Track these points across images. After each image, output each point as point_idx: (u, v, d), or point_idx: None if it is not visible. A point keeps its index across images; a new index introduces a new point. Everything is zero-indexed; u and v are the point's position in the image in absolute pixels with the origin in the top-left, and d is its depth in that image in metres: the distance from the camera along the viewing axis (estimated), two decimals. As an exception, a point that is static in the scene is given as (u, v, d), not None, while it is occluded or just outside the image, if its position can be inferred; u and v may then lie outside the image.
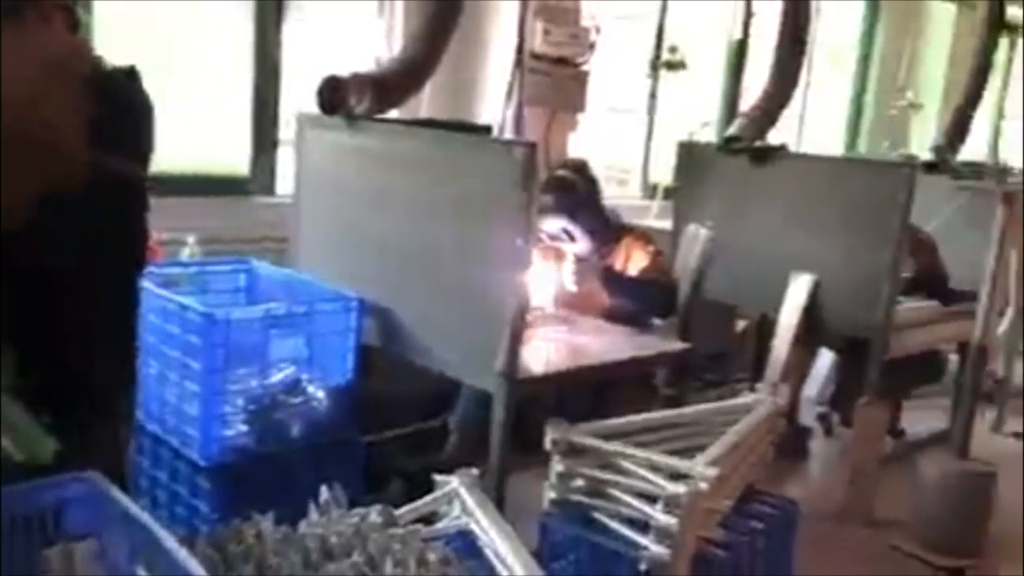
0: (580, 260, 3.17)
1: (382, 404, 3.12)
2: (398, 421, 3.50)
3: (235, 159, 3.52)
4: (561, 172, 3.23)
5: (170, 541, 1.12)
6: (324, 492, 1.62)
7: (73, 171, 1.20)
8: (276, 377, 2.40)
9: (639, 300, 3.13)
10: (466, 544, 1.95)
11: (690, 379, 3.68)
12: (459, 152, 2.50)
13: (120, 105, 1.50)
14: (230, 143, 3.53)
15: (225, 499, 2.23)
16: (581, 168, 3.25)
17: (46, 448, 1.31)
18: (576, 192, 3.16)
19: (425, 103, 3.45)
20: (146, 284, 2.48)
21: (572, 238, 3.18)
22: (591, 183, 3.23)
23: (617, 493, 2.14)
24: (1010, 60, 7.67)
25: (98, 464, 1.29)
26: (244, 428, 2.35)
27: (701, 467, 2.10)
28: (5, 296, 1.36)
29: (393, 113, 3.07)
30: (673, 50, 4.74)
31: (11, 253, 1.26)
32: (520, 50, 3.51)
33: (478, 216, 2.36)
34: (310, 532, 1.47)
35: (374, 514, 1.55)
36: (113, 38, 3.10)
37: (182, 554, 1.09)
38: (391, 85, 2.69)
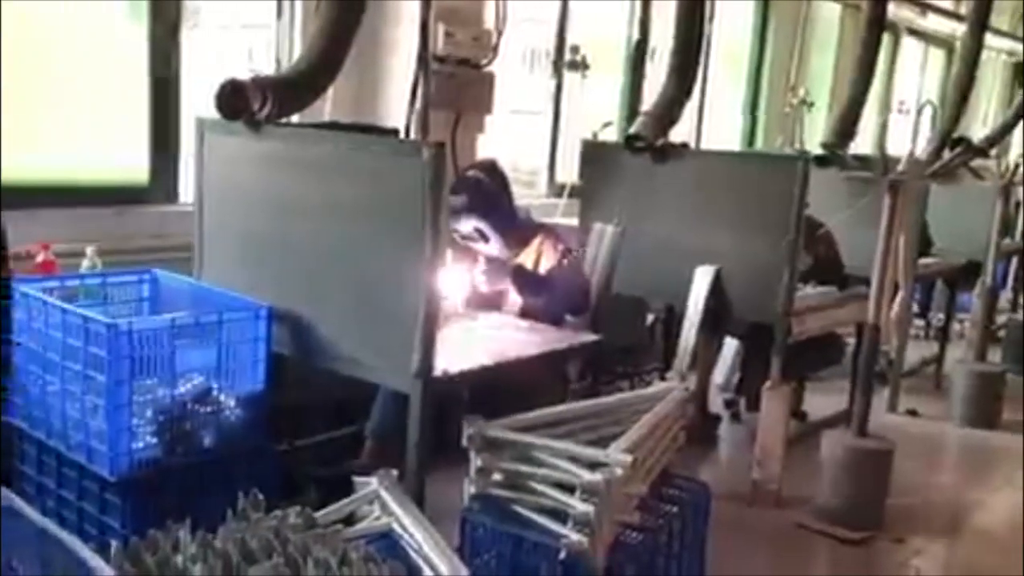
0: (492, 260, 3.20)
1: (296, 412, 3.09)
2: (313, 429, 3.46)
3: (134, 167, 3.42)
4: (472, 172, 3.26)
5: (83, 551, 1.10)
6: (241, 498, 1.60)
7: None
8: (185, 387, 2.35)
9: (551, 298, 3.18)
10: (388, 545, 1.95)
11: (602, 372, 3.75)
12: (367, 154, 2.49)
13: None
14: (128, 150, 3.43)
15: (137, 514, 2.17)
16: (491, 168, 3.28)
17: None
18: (487, 192, 3.19)
19: (329, 107, 3.42)
20: (45, 297, 2.41)
21: (485, 238, 3.21)
22: (502, 183, 3.26)
23: (536, 485, 2.18)
24: (893, 57, 8.07)
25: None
26: (153, 440, 2.30)
27: (616, 454, 2.16)
28: None
29: (296, 117, 3.04)
30: (575, 50, 4.83)
31: None
32: (423, 52, 3.52)
33: (388, 218, 2.36)
34: (229, 537, 1.45)
35: (293, 516, 1.54)
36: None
37: (96, 562, 1.07)
38: (294, 88, 2.66)
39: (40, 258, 2.84)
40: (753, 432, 3.71)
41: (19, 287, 2.44)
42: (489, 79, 3.91)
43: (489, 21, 3.90)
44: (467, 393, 2.89)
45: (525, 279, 3.19)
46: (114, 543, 1.38)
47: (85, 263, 2.91)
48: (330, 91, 3.16)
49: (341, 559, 1.40)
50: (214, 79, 2.69)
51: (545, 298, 3.18)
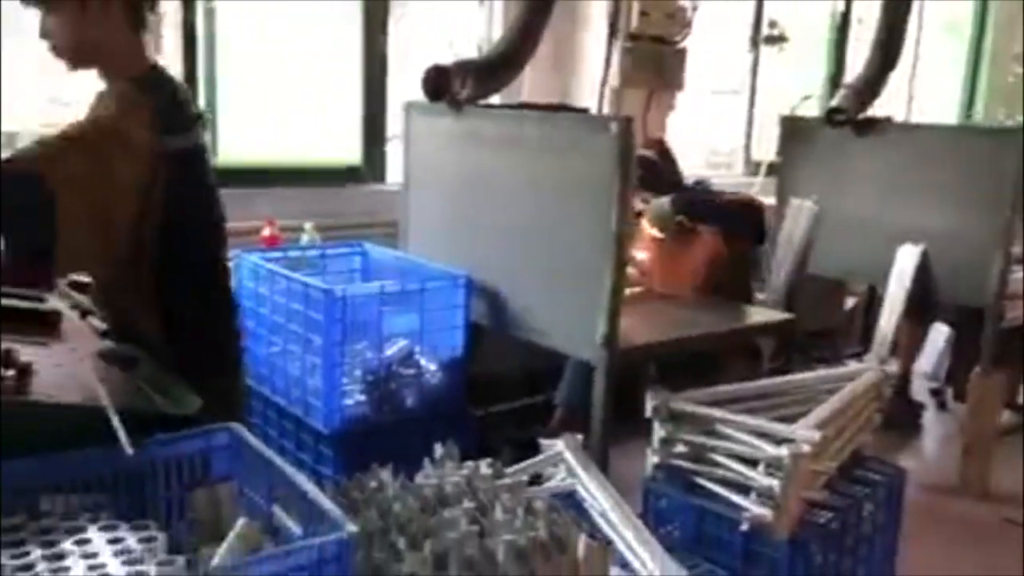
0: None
1: (491, 380, 3.25)
2: (507, 397, 3.62)
3: (348, 150, 3.71)
4: (641, 151, 3.30)
5: (304, 482, 1.25)
6: (438, 448, 1.74)
7: None
8: (391, 350, 2.54)
9: (730, 223, 3.17)
10: (572, 506, 2.04)
11: (796, 354, 3.67)
12: (557, 131, 2.58)
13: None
14: (344, 135, 3.72)
15: (346, 464, 2.38)
16: (659, 146, 3.33)
17: (192, 404, 1.48)
18: (656, 169, 3.24)
19: (526, 87, 3.55)
20: (270, 266, 2.67)
21: None
22: (670, 161, 3.32)
23: (719, 458, 2.19)
24: None
25: (225, 417, 1.44)
26: (362, 398, 2.51)
27: (803, 430, 2.13)
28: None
29: (495, 98, 3.19)
30: (773, 25, 4.70)
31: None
32: (613, 30, 3.56)
33: (577, 192, 2.44)
34: (426, 482, 1.58)
35: (484, 467, 1.66)
36: (234, 41, 3.33)
37: (315, 492, 1.22)
38: (491, 70, 2.80)
39: (266, 232, 3.15)
40: (961, 423, 3.51)
41: (248, 257, 2.73)
42: (681, 56, 3.90)
43: (684, -2, 3.89)
44: (654, 365, 2.94)
45: (704, 206, 3.20)
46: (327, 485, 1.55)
47: (304, 237, 3.19)
48: (527, 73, 3.29)
49: (527, 507, 1.50)
50: (421, 64, 2.88)
51: (726, 224, 3.17)
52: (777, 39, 4.71)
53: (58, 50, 1.70)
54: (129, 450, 1.24)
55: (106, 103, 1.70)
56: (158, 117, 1.65)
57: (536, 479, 2.18)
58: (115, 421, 1.27)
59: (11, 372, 1.32)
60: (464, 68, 2.76)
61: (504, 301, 2.72)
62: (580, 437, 2.27)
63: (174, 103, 1.73)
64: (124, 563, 1.10)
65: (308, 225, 3.22)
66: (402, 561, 1.32)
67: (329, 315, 2.40)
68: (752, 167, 4.96)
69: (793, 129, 4.12)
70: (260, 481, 1.33)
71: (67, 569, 1.08)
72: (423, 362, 2.59)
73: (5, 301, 1.60)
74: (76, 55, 1.72)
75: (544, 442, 2.28)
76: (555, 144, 2.52)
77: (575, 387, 3.14)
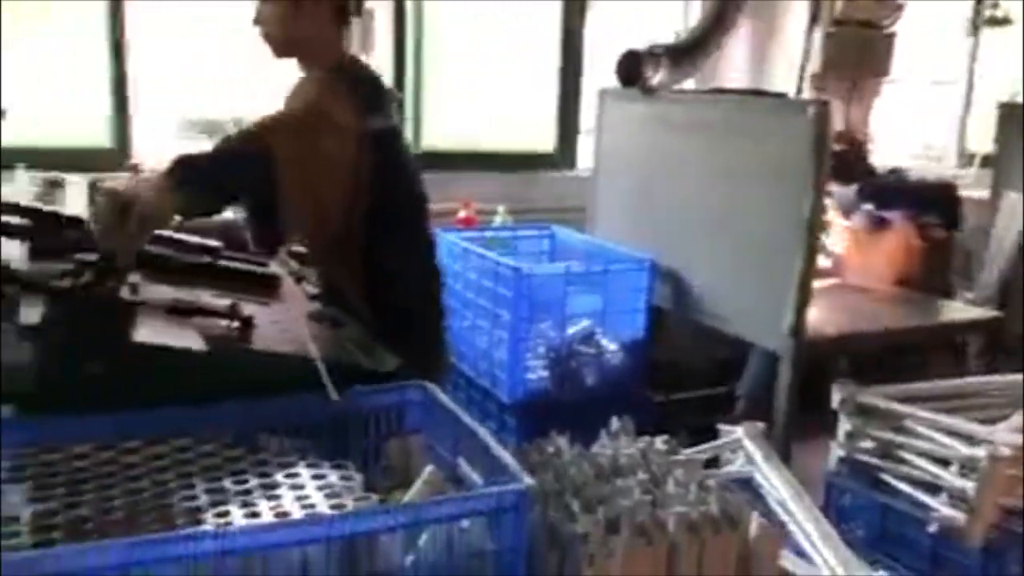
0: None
1: (674, 367, 3.25)
2: (689, 385, 3.61)
3: (542, 138, 3.81)
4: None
5: (488, 437, 1.33)
6: (615, 421, 1.78)
7: None
8: (573, 329, 2.61)
9: (921, 207, 3.01)
10: (747, 491, 2.02)
11: (1004, 355, 3.42)
12: (751, 115, 2.55)
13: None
14: (537, 123, 3.83)
15: (527, 434, 2.47)
16: (848, 137, 3.20)
17: (390, 363, 1.60)
18: (846, 159, 3.11)
19: (720, 73, 3.50)
20: (465, 244, 2.81)
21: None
22: (860, 151, 3.17)
23: (907, 455, 2.11)
24: None
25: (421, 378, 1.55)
26: (544, 374, 2.60)
27: (1004, 433, 2.01)
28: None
29: (689, 84, 3.18)
30: (995, 5, 4.37)
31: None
32: (815, 15, 3.45)
33: (769, 177, 2.40)
34: (601, 452, 1.63)
35: (659, 442, 1.68)
36: (440, 32, 3.51)
37: (499, 449, 1.30)
38: (684, 54, 2.80)
39: (462, 213, 3.30)
40: None
41: (444, 236, 2.88)
42: (890, 41, 3.71)
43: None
44: (846, 359, 2.84)
45: (893, 191, 3.06)
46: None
47: (497, 219, 3.32)
48: (722, 59, 3.26)
49: (699, 484, 1.51)
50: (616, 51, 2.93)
51: (917, 206, 3.01)
52: (1000, 21, 4.37)
53: (269, 38, 1.87)
54: (334, 397, 1.36)
55: (306, 89, 1.86)
56: (357, 100, 1.79)
57: (712, 463, 2.18)
58: (323, 372, 1.40)
59: (236, 324, 1.48)
60: (656, 53, 2.77)
61: (689, 286, 2.73)
62: (762, 425, 2.25)
63: (370, 87, 1.88)
64: (326, 496, 1.22)
65: (501, 208, 3.35)
66: (576, 522, 1.38)
67: (517, 292, 2.49)
68: (965, 159, 4.65)
69: (1012, 117, 3.83)
70: (447, 435, 1.43)
71: (278, 497, 1.21)
72: (604, 342, 2.65)
73: (233, 264, 1.79)
74: (284, 45, 1.88)
75: (723, 427, 2.27)
76: (748, 129, 2.50)
77: (759, 378, 3.08)
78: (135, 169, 2.69)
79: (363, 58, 2.21)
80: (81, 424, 1.28)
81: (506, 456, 1.27)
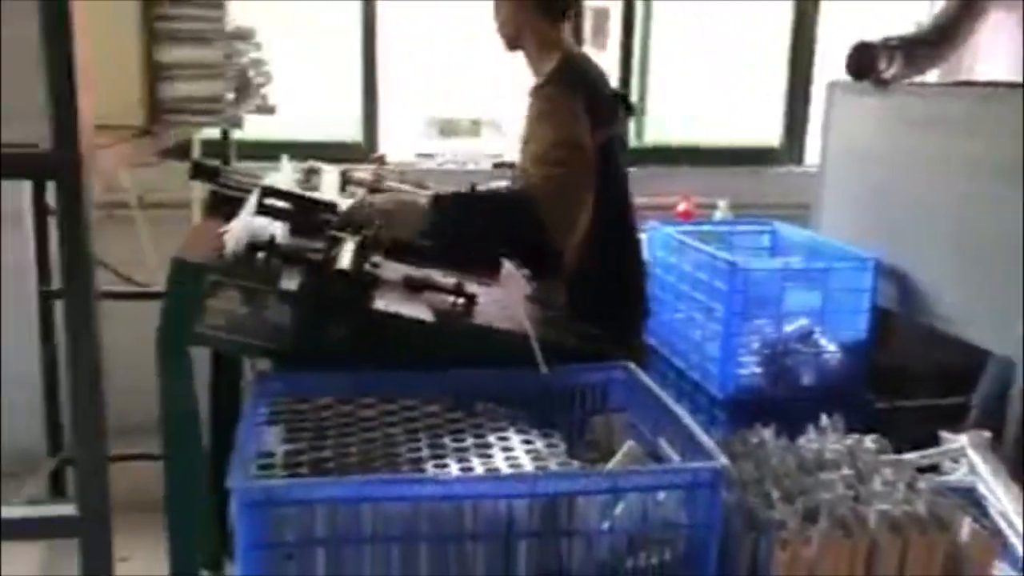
0: None
1: (899, 373, 3.10)
2: (916, 393, 3.41)
3: (768, 131, 3.76)
4: None
5: (688, 418, 1.39)
6: (824, 418, 1.77)
7: None
8: (790, 327, 2.58)
9: None
10: (968, 502, 1.93)
11: None
12: (993, 110, 2.40)
13: None
14: (761, 116, 3.77)
15: (737, 429, 2.47)
16: None
17: (595, 344, 1.69)
18: None
19: (967, 66, 3.29)
20: (682, 238, 2.84)
21: None
22: None
23: None
24: None
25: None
26: (757, 370, 2.58)
27: None
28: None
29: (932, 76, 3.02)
30: None
31: None
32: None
33: (1013, 176, 2.25)
34: (806, 445, 1.63)
35: (868, 441, 1.66)
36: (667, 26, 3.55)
37: (697, 430, 1.35)
38: (922, 47, 2.67)
39: (682, 207, 3.33)
40: None
41: (662, 229, 2.93)
42: None
43: None
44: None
45: None
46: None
47: (717, 214, 3.32)
48: (971, 50, 3.07)
49: (908, 484, 1.49)
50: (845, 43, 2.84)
51: None
52: None
53: (501, 33, 2.10)
54: (544, 369, 1.47)
55: (541, 106, 1.98)
56: (588, 115, 1.90)
57: (930, 471, 2.09)
58: (536, 348, 1.51)
59: (461, 300, 1.63)
60: (892, 45, 2.66)
61: (918, 287, 2.61)
62: (988, 434, 2.13)
63: (598, 97, 1.98)
64: (532, 459, 1.33)
65: (722, 203, 3.34)
66: (773, 509, 1.40)
67: (732, 286, 2.50)
68: None
69: None
70: (648, 416, 1.50)
71: (490, 456, 1.33)
72: (823, 342, 2.59)
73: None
74: (508, 39, 2.09)
75: (945, 435, 2.17)
76: (989, 124, 2.35)
77: (996, 388, 2.88)
78: (380, 160, 2.94)
79: (594, 55, 2.32)
80: (327, 380, 1.47)
81: (704, 437, 1.32)
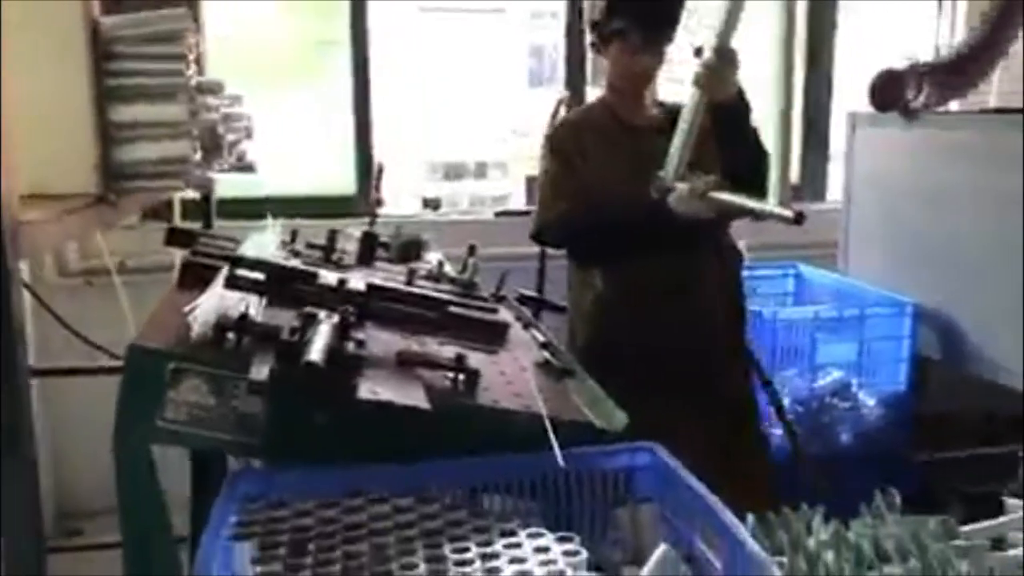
0: None
1: (942, 423, 2.89)
2: (961, 443, 3.20)
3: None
4: None
5: (727, 514, 1.18)
6: (877, 496, 1.56)
7: None
8: (824, 380, 2.38)
9: None
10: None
11: None
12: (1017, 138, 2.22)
13: None
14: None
15: (774, 502, 2.27)
16: None
17: (619, 420, 1.49)
18: None
19: (995, 92, 3.12)
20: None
21: None
22: None
23: None
24: None
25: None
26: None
27: None
28: None
29: (955, 105, 2.85)
30: None
31: None
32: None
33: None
34: (863, 532, 1.42)
35: (932, 523, 1.45)
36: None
37: (740, 529, 1.15)
38: (953, 74, 2.50)
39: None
40: None
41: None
42: None
43: None
44: None
45: None
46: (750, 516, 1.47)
47: (737, 257, 3.12)
48: (997, 75, 2.90)
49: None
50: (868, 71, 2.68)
51: None
52: None
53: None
54: (561, 461, 1.27)
55: None
56: None
57: (997, 543, 1.88)
58: (550, 431, 1.32)
59: (462, 376, 1.43)
60: (920, 72, 2.49)
61: (958, 333, 2.41)
62: (1057, 500, 1.91)
63: None
64: (548, 574, 1.12)
65: (741, 243, 3.15)
66: (833, 618, 1.19)
67: (759, 338, 2.30)
68: None
69: None
70: (681, 506, 1.29)
71: (498, 570, 1.12)
72: (861, 396, 2.39)
73: (464, 312, 1.76)
74: None
75: (1009, 501, 1.95)
76: (1018, 154, 2.17)
77: (1049, 438, 2.67)
78: (372, 216, 2.78)
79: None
80: (308, 479, 1.27)
81: (748, 540, 1.12)
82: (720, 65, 1.93)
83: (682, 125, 2.00)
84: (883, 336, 2.40)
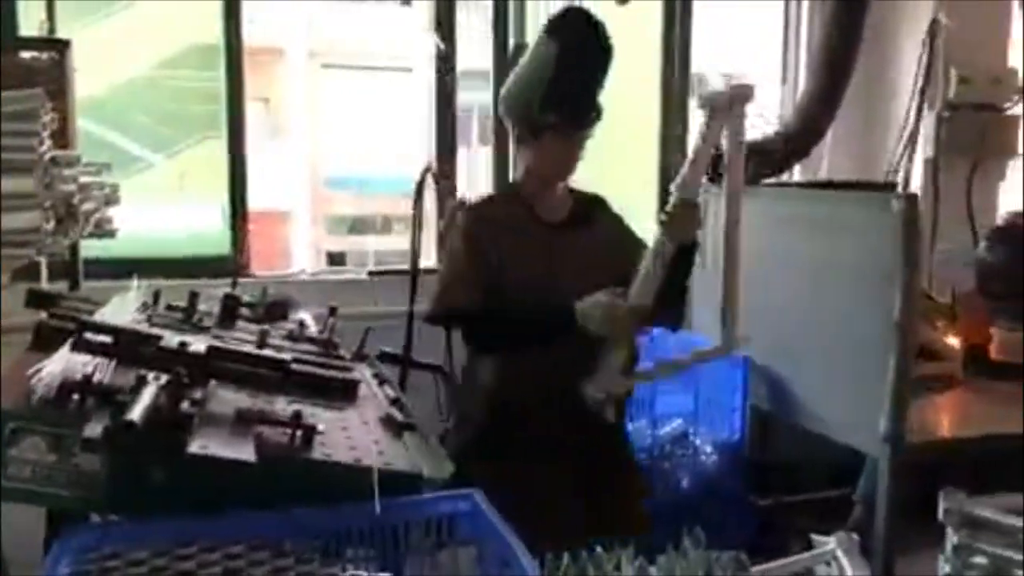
0: None
1: (784, 469, 3.11)
2: (803, 488, 3.42)
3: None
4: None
5: (527, 560, 1.32)
6: (684, 534, 1.72)
7: None
8: (664, 429, 2.56)
9: None
10: (842, 609, 1.90)
11: None
12: (837, 209, 2.48)
13: None
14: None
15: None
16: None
17: (445, 469, 1.62)
18: None
19: (826, 164, 3.43)
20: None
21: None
22: None
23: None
24: None
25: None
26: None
27: None
28: None
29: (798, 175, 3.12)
30: None
31: None
32: (921, 99, 3.33)
33: (858, 276, 2.32)
34: (663, 566, 1.58)
35: (724, 557, 1.61)
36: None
37: (536, 570, 1.28)
38: (768, 155, 2.76)
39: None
40: None
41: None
42: (1013, 122, 3.54)
43: (1015, 58, 3.54)
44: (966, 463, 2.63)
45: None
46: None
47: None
48: (827, 148, 3.20)
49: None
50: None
51: None
52: None
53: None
54: (376, 506, 1.39)
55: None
56: None
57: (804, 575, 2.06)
58: (375, 481, 1.43)
59: (299, 432, 1.54)
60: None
61: (785, 386, 2.63)
62: (856, 537, 2.11)
63: None
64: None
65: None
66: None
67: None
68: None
69: None
70: (495, 550, 1.42)
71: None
72: (698, 443, 2.57)
73: (310, 370, 1.87)
74: None
75: (816, 538, 2.15)
76: (836, 223, 2.43)
77: (875, 482, 2.90)
78: (235, 278, 2.84)
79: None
80: (142, 530, 1.36)
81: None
82: (683, 214, 2.16)
83: (646, 263, 2.15)
84: (719, 387, 2.60)
